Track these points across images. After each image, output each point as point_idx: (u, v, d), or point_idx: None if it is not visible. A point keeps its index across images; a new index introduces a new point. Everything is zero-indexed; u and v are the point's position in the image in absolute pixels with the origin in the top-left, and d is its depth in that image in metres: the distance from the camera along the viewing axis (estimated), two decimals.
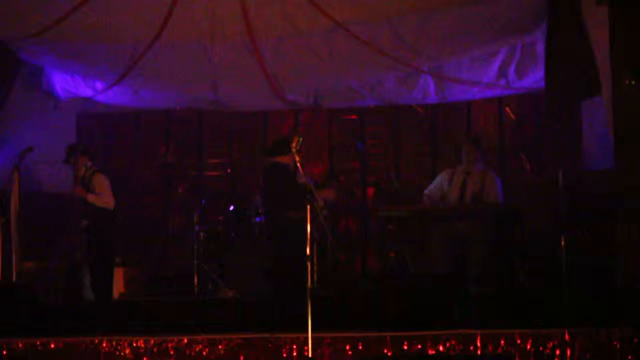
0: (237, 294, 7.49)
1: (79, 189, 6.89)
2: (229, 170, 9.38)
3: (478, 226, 6.97)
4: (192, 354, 5.41)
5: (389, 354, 5.21)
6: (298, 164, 5.26)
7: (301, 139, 5.22)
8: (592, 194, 6.71)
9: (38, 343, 5.57)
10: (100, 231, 6.93)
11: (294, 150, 5.16)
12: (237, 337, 5.48)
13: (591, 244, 6.53)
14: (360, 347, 5.27)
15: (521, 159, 8.67)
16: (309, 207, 5.12)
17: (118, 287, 7.52)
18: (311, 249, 5.13)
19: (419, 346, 5.22)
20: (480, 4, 6.81)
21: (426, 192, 7.41)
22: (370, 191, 9.09)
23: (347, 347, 5.27)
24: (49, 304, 6.98)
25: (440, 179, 7.38)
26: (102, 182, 6.96)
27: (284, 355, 5.31)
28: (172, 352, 5.43)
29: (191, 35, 7.38)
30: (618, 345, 5.11)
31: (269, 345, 5.37)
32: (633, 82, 5.57)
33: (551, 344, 5.16)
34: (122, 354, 5.48)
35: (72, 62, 8.07)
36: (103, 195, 6.92)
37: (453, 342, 5.20)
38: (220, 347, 5.40)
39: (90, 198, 6.87)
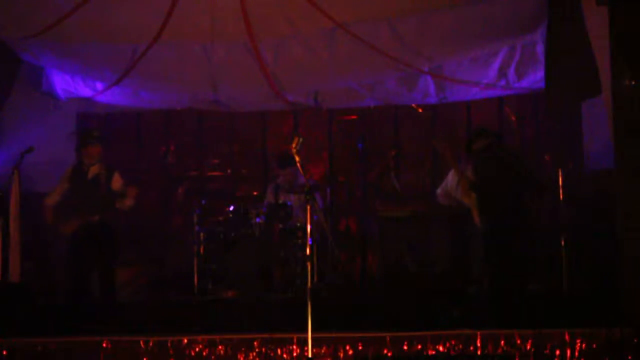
0: (237, 294, 7.49)
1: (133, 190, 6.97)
2: (229, 170, 9.37)
3: (477, 226, 6.97)
4: (192, 354, 5.41)
5: (389, 354, 5.21)
6: (298, 164, 5.24)
7: (301, 140, 5.20)
8: (592, 193, 6.72)
9: (38, 343, 5.58)
10: (110, 230, 6.97)
11: (294, 150, 5.15)
12: (237, 337, 5.49)
13: (591, 244, 6.54)
14: (360, 347, 5.27)
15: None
16: (309, 207, 5.13)
17: (118, 287, 7.51)
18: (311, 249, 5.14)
19: (419, 346, 5.22)
20: (480, 3, 6.80)
21: (439, 190, 7.44)
22: (371, 191, 9.07)
23: (347, 347, 5.27)
24: (49, 304, 6.97)
25: (448, 177, 7.44)
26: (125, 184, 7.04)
27: (284, 355, 5.31)
28: (172, 352, 5.43)
29: (191, 35, 7.37)
30: (618, 346, 5.11)
31: (269, 345, 5.37)
32: (633, 82, 5.57)
33: (551, 344, 5.16)
34: (122, 354, 5.49)
35: (72, 62, 8.06)
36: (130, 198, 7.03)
37: (453, 342, 5.21)
38: (220, 347, 5.40)
39: (129, 202, 6.99)
